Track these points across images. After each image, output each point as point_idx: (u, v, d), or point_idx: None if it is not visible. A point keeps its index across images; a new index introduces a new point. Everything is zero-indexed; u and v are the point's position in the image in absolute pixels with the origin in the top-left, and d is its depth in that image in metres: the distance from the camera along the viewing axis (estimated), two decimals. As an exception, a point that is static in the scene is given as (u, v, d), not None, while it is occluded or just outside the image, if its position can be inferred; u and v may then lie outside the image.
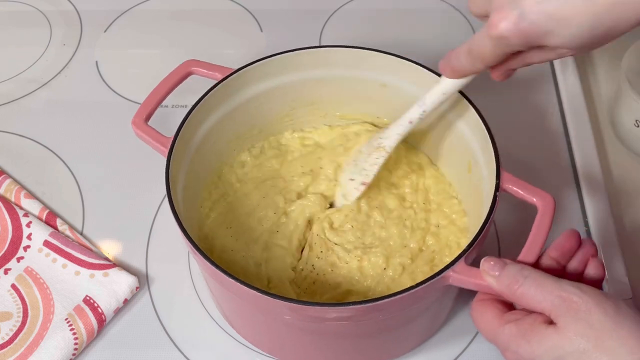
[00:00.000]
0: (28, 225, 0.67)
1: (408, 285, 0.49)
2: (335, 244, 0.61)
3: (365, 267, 0.59)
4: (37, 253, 0.66)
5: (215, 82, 0.61)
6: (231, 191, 0.65)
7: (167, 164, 0.56)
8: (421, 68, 0.60)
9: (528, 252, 0.50)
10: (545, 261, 0.50)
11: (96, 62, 0.85)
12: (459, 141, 0.60)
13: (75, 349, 0.60)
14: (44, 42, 0.87)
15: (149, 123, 0.60)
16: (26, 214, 0.68)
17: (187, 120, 0.59)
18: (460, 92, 0.57)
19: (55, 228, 0.68)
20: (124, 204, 0.71)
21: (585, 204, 0.69)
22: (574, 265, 0.51)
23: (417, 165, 0.66)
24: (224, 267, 0.60)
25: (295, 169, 0.66)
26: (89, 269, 0.64)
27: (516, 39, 0.44)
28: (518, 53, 0.48)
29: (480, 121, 0.56)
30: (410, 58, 0.61)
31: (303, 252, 0.61)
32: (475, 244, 0.50)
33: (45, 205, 0.70)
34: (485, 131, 0.55)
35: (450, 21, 0.88)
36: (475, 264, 0.50)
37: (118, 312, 0.63)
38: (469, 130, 0.59)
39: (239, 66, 0.62)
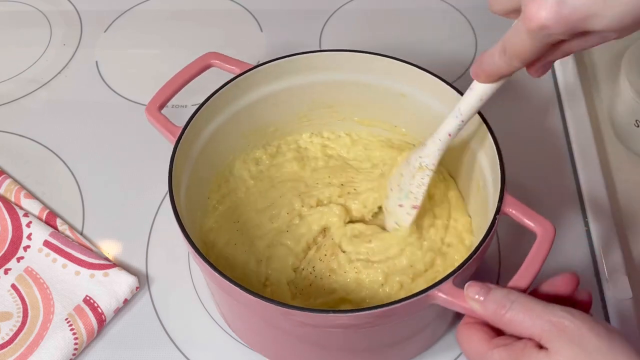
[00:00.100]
0: (28, 225, 0.67)
1: None
2: (343, 251, 0.60)
3: (363, 280, 0.58)
4: (37, 253, 0.66)
5: (233, 75, 0.61)
6: (243, 187, 0.65)
7: (173, 153, 0.56)
8: (442, 83, 0.59)
9: (521, 278, 0.48)
10: (534, 294, 0.48)
11: (96, 62, 0.85)
12: (472, 158, 0.59)
13: (75, 349, 0.60)
14: (44, 42, 0.87)
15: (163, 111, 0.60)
16: (26, 214, 0.68)
17: (199, 112, 0.59)
18: (485, 122, 0.56)
19: (55, 228, 0.68)
20: (124, 204, 0.71)
21: (585, 204, 0.69)
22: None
23: (442, 179, 0.64)
24: (225, 260, 0.61)
25: (322, 178, 0.66)
26: (89, 269, 0.64)
27: (559, 27, 0.41)
28: (557, 44, 0.45)
29: (493, 141, 0.55)
30: (430, 70, 0.60)
31: (309, 252, 0.61)
32: (466, 266, 0.49)
33: (45, 205, 0.70)
34: (496, 152, 0.54)
35: (451, 21, 0.88)
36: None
37: (118, 312, 0.63)
38: (482, 151, 0.58)
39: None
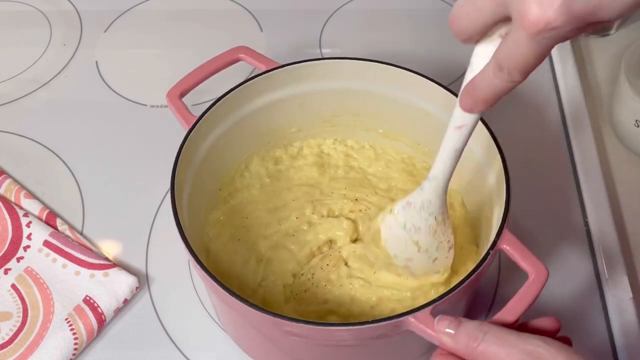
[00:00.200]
0: (28, 225, 0.67)
1: None
2: (346, 264, 0.60)
3: (356, 297, 0.58)
4: (37, 253, 0.66)
5: (260, 72, 0.61)
6: (258, 184, 0.66)
7: (182, 143, 0.57)
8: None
9: (508, 312, 0.47)
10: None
11: (96, 62, 0.85)
12: (483, 189, 0.59)
13: (75, 349, 0.60)
14: (44, 42, 0.87)
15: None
16: (26, 214, 0.68)
17: (218, 103, 0.59)
18: (492, 134, 0.56)
19: (55, 228, 0.68)
20: (124, 204, 0.71)
21: (585, 204, 0.69)
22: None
23: (449, 205, 0.62)
24: (226, 255, 0.61)
25: (338, 188, 0.65)
26: (89, 269, 0.64)
27: (569, 25, 0.37)
28: None
29: (504, 172, 0.54)
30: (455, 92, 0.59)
31: (312, 260, 0.61)
32: (447, 297, 0.48)
33: (45, 205, 0.70)
34: (505, 186, 0.53)
35: (450, 21, 0.88)
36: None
37: (118, 312, 0.63)
38: (494, 182, 0.57)
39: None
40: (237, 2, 0.91)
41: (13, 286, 0.64)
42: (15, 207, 0.69)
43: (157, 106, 0.80)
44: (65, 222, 0.69)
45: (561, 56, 0.80)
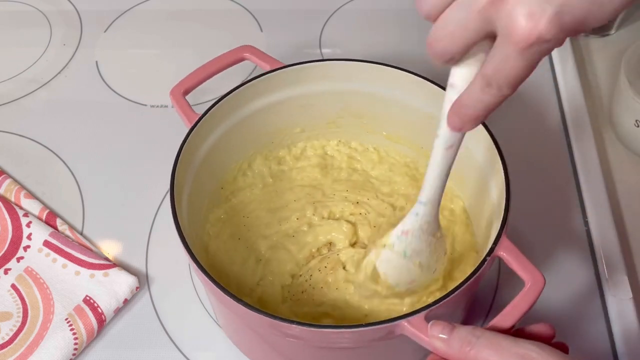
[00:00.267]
0: (28, 225, 0.67)
1: None
2: (344, 268, 0.60)
3: (351, 301, 0.58)
4: (37, 253, 0.66)
5: (264, 71, 0.61)
6: (261, 183, 0.66)
7: (183, 141, 0.57)
8: None
9: (504, 319, 0.47)
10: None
11: (96, 62, 0.85)
12: (485, 195, 0.58)
13: (75, 349, 0.60)
14: (44, 42, 0.87)
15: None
16: (26, 214, 0.68)
17: (222, 102, 0.59)
18: (492, 137, 0.56)
19: (55, 228, 0.68)
20: (124, 204, 0.71)
21: (585, 204, 0.69)
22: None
23: (450, 211, 0.64)
24: (226, 253, 0.61)
25: (340, 190, 0.65)
26: (89, 269, 0.64)
27: (560, 36, 0.37)
28: None
29: (504, 182, 0.54)
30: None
31: (311, 261, 0.61)
32: (442, 302, 0.48)
33: (45, 205, 0.70)
34: (505, 194, 0.53)
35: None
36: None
37: (118, 312, 0.63)
38: (495, 188, 0.57)
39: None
40: (237, 2, 0.91)
41: (13, 286, 0.64)
42: (15, 207, 0.69)
43: (157, 106, 0.80)
44: (65, 222, 0.69)
45: (561, 56, 0.80)
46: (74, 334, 0.60)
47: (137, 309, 0.64)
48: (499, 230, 0.51)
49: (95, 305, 0.62)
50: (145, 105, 0.80)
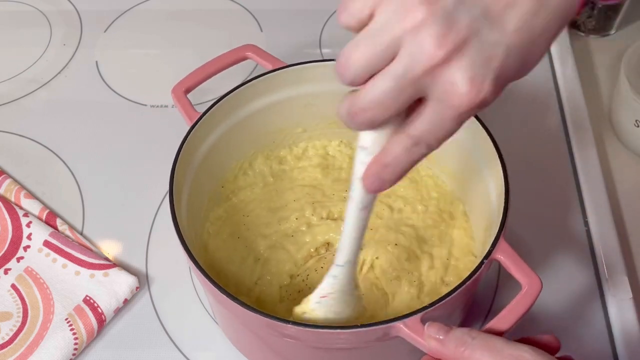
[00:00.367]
0: (28, 225, 0.67)
1: None
2: None
3: None
4: (37, 253, 0.66)
5: (266, 70, 0.61)
6: (261, 182, 0.66)
7: (184, 139, 0.57)
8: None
9: (500, 322, 0.47)
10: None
11: (96, 62, 0.85)
12: (485, 198, 0.58)
13: (75, 349, 0.60)
14: (44, 42, 0.87)
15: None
16: (26, 214, 0.68)
17: (222, 101, 0.60)
18: (492, 139, 0.56)
19: (55, 228, 0.68)
20: (124, 204, 0.71)
21: (585, 204, 0.69)
22: None
23: (449, 214, 0.64)
24: (225, 252, 0.61)
25: (340, 190, 0.65)
26: (89, 269, 0.64)
27: (495, 97, 0.38)
28: None
29: (504, 185, 0.54)
30: None
31: (309, 261, 0.61)
32: (437, 305, 0.48)
33: (45, 205, 0.70)
34: (504, 196, 0.53)
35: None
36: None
37: (118, 312, 0.63)
38: (495, 190, 0.57)
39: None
40: (237, 2, 0.91)
41: (13, 286, 0.64)
42: (15, 207, 0.69)
43: (157, 106, 0.80)
44: (65, 222, 0.69)
45: (561, 56, 0.80)
46: (74, 334, 0.60)
47: (137, 309, 0.64)
48: (497, 234, 0.51)
49: (95, 305, 0.62)
50: (145, 105, 0.80)
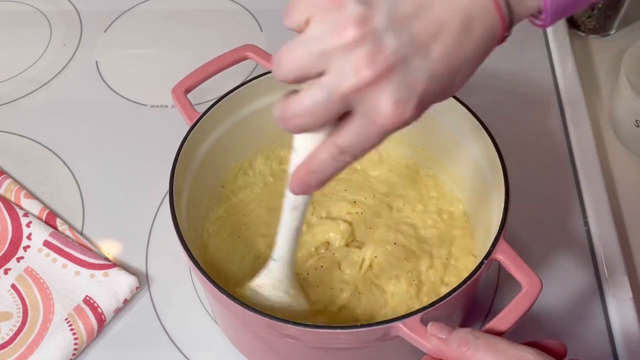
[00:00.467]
0: (28, 225, 0.67)
1: None
2: (340, 269, 0.60)
3: (344, 302, 0.58)
4: (37, 253, 0.66)
5: (266, 70, 0.61)
6: (261, 182, 0.66)
7: (183, 140, 0.57)
8: (466, 110, 0.58)
9: (500, 322, 0.47)
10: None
11: (96, 62, 0.85)
12: (485, 198, 0.58)
13: (75, 349, 0.60)
14: (44, 42, 0.87)
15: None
16: (26, 214, 0.68)
17: (221, 102, 0.60)
18: (492, 139, 0.56)
19: (55, 228, 0.68)
20: (124, 204, 0.71)
21: (585, 204, 0.69)
22: None
23: (449, 214, 0.64)
24: (225, 251, 0.61)
25: (339, 189, 0.65)
26: (89, 269, 0.64)
27: (416, 119, 0.41)
28: None
29: (504, 185, 0.54)
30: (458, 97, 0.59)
31: (309, 260, 0.61)
32: (437, 305, 0.48)
33: (45, 205, 0.70)
34: (504, 197, 0.53)
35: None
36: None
37: (118, 312, 0.63)
38: (495, 190, 0.56)
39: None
40: (237, 2, 0.91)
41: (13, 286, 0.64)
42: (15, 207, 0.69)
43: (157, 106, 0.80)
44: (65, 222, 0.69)
45: (561, 56, 0.80)
46: (74, 334, 0.60)
47: (137, 309, 0.64)
48: (497, 233, 0.51)
49: (95, 305, 0.62)
50: (145, 105, 0.80)
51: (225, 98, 0.60)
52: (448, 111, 0.60)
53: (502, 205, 0.53)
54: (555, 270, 0.64)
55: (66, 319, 0.61)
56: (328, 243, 0.62)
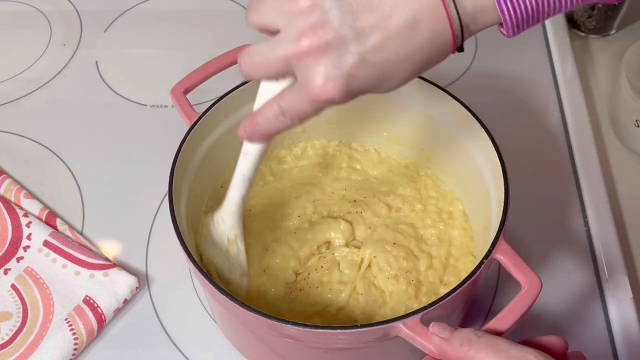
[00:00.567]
0: (28, 225, 0.67)
1: None
2: (340, 269, 0.60)
3: (342, 304, 0.58)
4: (37, 253, 0.66)
5: None
6: (261, 181, 0.66)
7: (183, 139, 0.57)
8: (465, 110, 0.58)
9: (499, 322, 0.47)
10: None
11: (96, 62, 0.85)
12: (485, 198, 0.58)
13: (75, 349, 0.60)
14: (44, 42, 0.87)
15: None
16: (26, 214, 0.68)
17: (219, 103, 0.60)
18: (491, 138, 0.56)
19: (55, 228, 0.68)
20: (124, 204, 0.71)
21: (585, 204, 0.69)
22: None
23: (448, 214, 0.64)
24: None
25: (339, 189, 0.65)
26: (88, 269, 0.64)
27: (345, 99, 0.44)
28: None
29: (504, 185, 0.54)
30: (455, 96, 0.59)
31: (311, 259, 0.61)
32: (437, 305, 0.48)
33: (45, 205, 0.70)
34: (504, 196, 0.53)
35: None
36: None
37: (118, 312, 0.63)
38: (494, 190, 0.56)
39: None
40: (237, 2, 0.91)
41: (13, 286, 0.64)
42: (15, 207, 0.69)
43: (157, 106, 0.80)
44: (65, 222, 0.69)
45: (561, 56, 0.80)
46: (74, 334, 0.60)
47: (137, 309, 0.64)
48: (497, 233, 0.51)
49: (95, 305, 0.62)
50: (145, 105, 0.80)
51: (224, 98, 0.60)
52: (447, 111, 0.60)
53: (502, 205, 0.53)
54: (556, 271, 0.65)
55: (66, 319, 0.61)
56: (329, 242, 0.62)
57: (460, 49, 0.44)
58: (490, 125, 0.57)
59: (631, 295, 0.61)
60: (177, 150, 0.57)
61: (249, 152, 0.53)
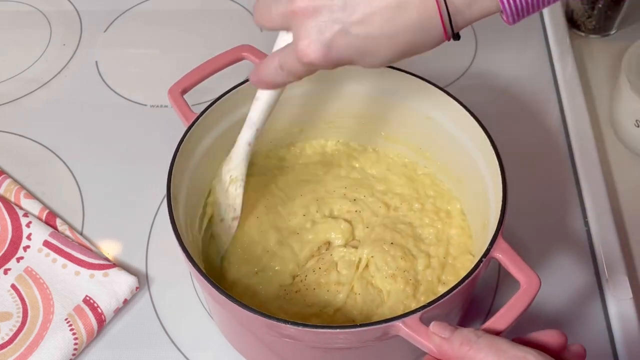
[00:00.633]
0: (28, 225, 0.67)
1: None
2: (338, 270, 0.60)
3: (340, 305, 0.58)
4: (37, 253, 0.66)
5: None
6: (271, 176, 0.66)
7: (181, 139, 0.58)
8: (462, 109, 0.58)
9: (498, 321, 0.47)
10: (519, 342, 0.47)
11: (96, 62, 0.85)
12: (483, 196, 0.58)
13: (75, 349, 0.60)
14: (44, 42, 0.87)
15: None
16: (26, 214, 0.68)
17: (217, 103, 0.60)
18: (496, 151, 0.55)
19: (55, 228, 0.68)
20: (124, 203, 0.71)
21: (585, 204, 0.69)
22: None
23: (446, 213, 0.64)
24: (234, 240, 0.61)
25: (340, 187, 0.65)
26: (88, 269, 0.64)
27: (325, 65, 0.47)
28: None
29: (501, 183, 0.54)
30: (452, 94, 0.59)
31: (310, 261, 0.61)
32: (436, 304, 0.48)
33: (45, 205, 0.70)
34: (502, 195, 0.53)
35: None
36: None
37: (118, 312, 0.63)
38: (493, 189, 0.56)
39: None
40: (237, 2, 0.91)
41: (13, 286, 0.64)
42: (15, 207, 0.69)
43: (157, 106, 0.80)
44: (65, 222, 0.69)
45: (561, 56, 0.80)
46: (74, 334, 0.60)
47: (137, 309, 0.64)
48: (495, 232, 0.51)
49: (95, 305, 0.62)
50: (145, 105, 0.80)
51: (222, 98, 0.60)
52: (445, 110, 0.60)
53: (500, 203, 0.53)
54: (555, 270, 0.65)
55: (66, 319, 0.61)
56: (329, 243, 0.62)
57: (456, 36, 0.45)
58: (490, 125, 0.57)
59: (631, 295, 0.61)
60: (175, 151, 0.57)
61: (260, 97, 0.55)
